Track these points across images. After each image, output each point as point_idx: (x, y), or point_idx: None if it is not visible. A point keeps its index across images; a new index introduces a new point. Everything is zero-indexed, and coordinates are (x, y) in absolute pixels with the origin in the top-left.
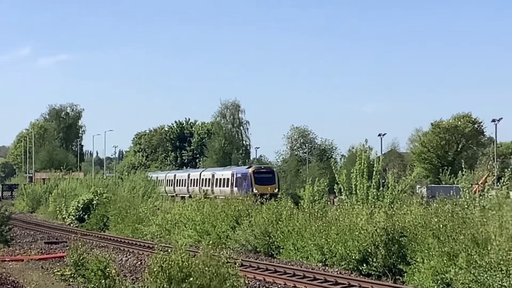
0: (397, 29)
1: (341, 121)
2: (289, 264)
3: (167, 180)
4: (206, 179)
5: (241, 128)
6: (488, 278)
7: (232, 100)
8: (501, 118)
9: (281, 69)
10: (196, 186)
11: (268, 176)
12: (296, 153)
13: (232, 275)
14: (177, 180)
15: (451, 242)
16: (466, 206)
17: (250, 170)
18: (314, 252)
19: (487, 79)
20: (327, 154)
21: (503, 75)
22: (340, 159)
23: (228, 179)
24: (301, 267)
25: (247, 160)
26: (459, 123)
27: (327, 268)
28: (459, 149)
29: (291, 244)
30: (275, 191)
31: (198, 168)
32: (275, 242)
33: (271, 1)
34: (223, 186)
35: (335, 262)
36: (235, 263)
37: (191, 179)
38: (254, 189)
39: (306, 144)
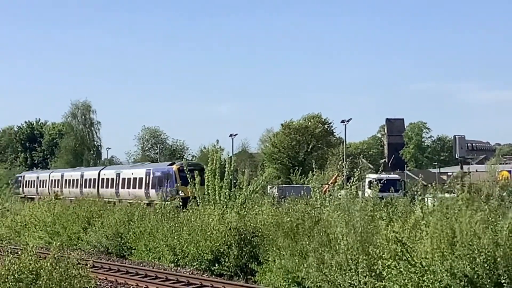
0: (243, 30)
1: (193, 121)
2: (142, 265)
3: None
4: (92, 179)
5: (93, 128)
6: (337, 277)
7: (83, 101)
8: (350, 119)
9: (132, 69)
10: (74, 187)
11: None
12: (147, 153)
13: (83, 277)
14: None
15: (302, 242)
16: (318, 206)
17: (175, 167)
18: (166, 253)
19: (336, 80)
20: (178, 154)
21: (352, 76)
22: (192, 159)
23: (140, 178)
24: (153, 267)
25: (98, 161)
26: (309, 123)
27: (179, 268)
28: (309, 150)
29: (143, 245)
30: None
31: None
32: (127, 243)
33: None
34: (133, 187)
35: (187, 263)
36: (86, 265)
37: (69, 180)
38: (180, 191)
39: (158, 145)
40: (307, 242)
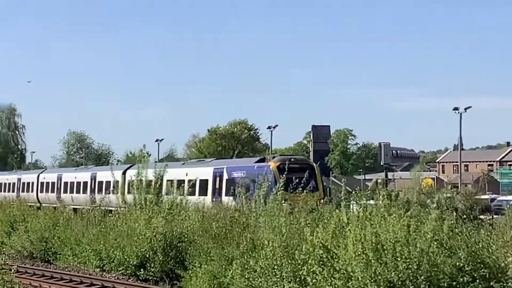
0: (165, 33)
1: (118, 126)
2: (67, 269)
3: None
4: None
5: (17, 132)
6: (262, 282)
7: (7, 104)
8: (277, 125)
9: (58, 72)
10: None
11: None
12: (72, 157)
13: (7, 282)
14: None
15: (229, 247)
16: (247, 212)
17: (272, 163)
18: (92, 258)
19: (263, 87)
20: (104, 159)
21: (278, 82)
22: (117, 163)
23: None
24: (78, 272)
25: (22, 165)
26: (236, 129)
27: (104, 273)
28: (235, 155)
29: (69, 249)
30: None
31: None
32: (52, 248)
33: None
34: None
35: (113, 268)
36: (10, 270)
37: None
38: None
39: (83, 149)
40: (234, 248)
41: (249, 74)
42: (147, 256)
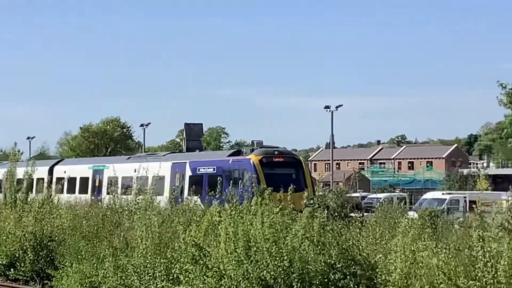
0: (37, 29)
1: None
2: None
3: None
4: None
5: None
6: (134, 281)
7: None
8: (149, 123)
9: None
10: None
11: (288, 172)
12: None
13: None
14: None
15: (100, 246)
16: (120, 211)
17: (254, 157)
18: None
19: (135, 84)
20: None
21: (150, 80)
22: None
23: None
24: None
25: None
26: (108, 127)
27: None
28: (108, 153)
29: None
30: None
31: None
32: None
33: None
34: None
35: None
36: None
37: None
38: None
39: None
40: (106, 246)
41: (122, 72)
42: (17, 255)
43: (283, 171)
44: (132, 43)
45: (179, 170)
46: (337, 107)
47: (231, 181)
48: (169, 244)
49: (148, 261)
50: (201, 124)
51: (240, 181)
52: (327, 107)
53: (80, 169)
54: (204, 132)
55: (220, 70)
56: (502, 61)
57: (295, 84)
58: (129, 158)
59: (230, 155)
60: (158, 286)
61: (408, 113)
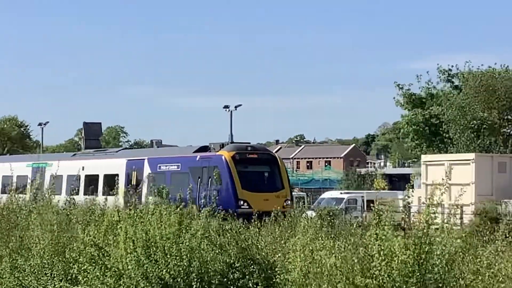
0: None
1: None
2: None
3: None
4: None
5: None
6: (32, 281)
7: None
8: (48, 122)
9: None
10: None
11: (264, 169)
12: None
13: None
14: None
15: None
16: (18, 210)
17: (226, 153)
18: None
19: (33, 83)
20: None
21: (48, 79)
22: None
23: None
24: None
25: None
26: (5, 126)
27: None
28: (5, 153)
29: None
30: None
31: None
32: None
33: None
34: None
35: None
36: None
37: None
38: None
39: None
40: (2, 246)
41: (20, 71)
42: None
43: (258, 168)
44: (29, 40)
45: (136, 167)
46: (236, 107)
47: (199, 180)
48: (68, 244)
49: (45, 261)
50: (100, 123)
51: (209, 179)
52: (226, 106)
53: (17, 167)
54: (103, 131)
55: (120, 69)
56: (399, 61)
57: (194, 83)
58: (74, 155)
59: (196, 151)
60: (56, 286)
61: (306, 113)
